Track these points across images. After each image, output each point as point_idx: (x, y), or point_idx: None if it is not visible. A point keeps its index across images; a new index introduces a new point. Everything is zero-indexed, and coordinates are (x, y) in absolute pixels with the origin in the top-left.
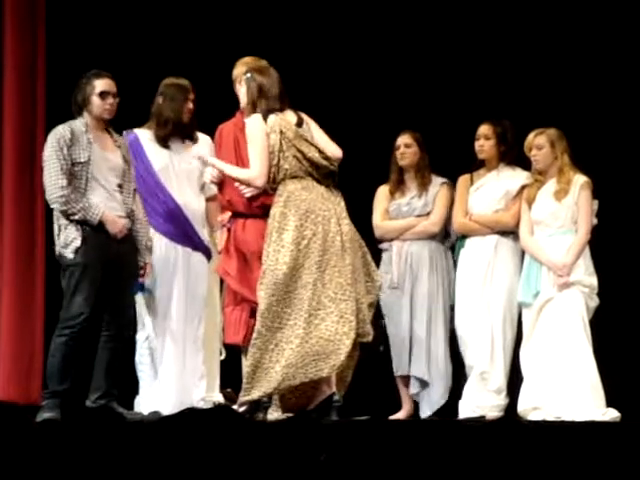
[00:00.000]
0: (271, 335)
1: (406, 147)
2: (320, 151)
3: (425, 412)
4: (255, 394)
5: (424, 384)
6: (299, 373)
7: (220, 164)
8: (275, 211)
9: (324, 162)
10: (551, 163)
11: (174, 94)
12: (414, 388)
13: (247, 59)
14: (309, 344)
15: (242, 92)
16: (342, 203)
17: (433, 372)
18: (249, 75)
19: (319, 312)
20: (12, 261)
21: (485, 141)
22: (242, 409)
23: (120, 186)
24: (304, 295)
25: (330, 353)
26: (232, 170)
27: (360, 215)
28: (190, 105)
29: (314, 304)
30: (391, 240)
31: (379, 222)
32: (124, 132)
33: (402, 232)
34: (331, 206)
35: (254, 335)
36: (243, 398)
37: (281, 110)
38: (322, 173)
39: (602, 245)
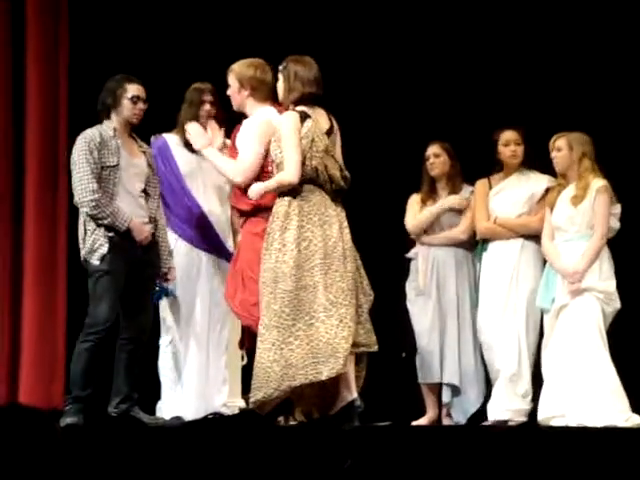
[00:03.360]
0: (268, 334)
1: (435, 157)
2: (341, 169)
3: (459, 419)
4: (258, 395)
5: (456, 391)
6: (299, 374)
7: (264, 186)
8: (280, 210)
9: (341, 182)
10: (570, 166)
11: (192, 98)
12: (446, 396)
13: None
14: (309, 346)
15: (279, 85)
16: (344, 214)
17: (465, 378)
18: (284, 64)
19: (320, 315)
20: (34, 266)
21: (517, 147)
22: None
23: (145, 192)
24: (304, 297)
25: (329, 357)
26: (272, 183)
27: (386, 225)
28: (207, 107)
29: (315, 307)
30: (425, 232)
31: (412, 221)
32: (152, 137)
33: (433, 218)
34: (333, 213)
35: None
36: (250, 400)
37: (317, 98)
38: (333, 188)
39: (625, 249)
